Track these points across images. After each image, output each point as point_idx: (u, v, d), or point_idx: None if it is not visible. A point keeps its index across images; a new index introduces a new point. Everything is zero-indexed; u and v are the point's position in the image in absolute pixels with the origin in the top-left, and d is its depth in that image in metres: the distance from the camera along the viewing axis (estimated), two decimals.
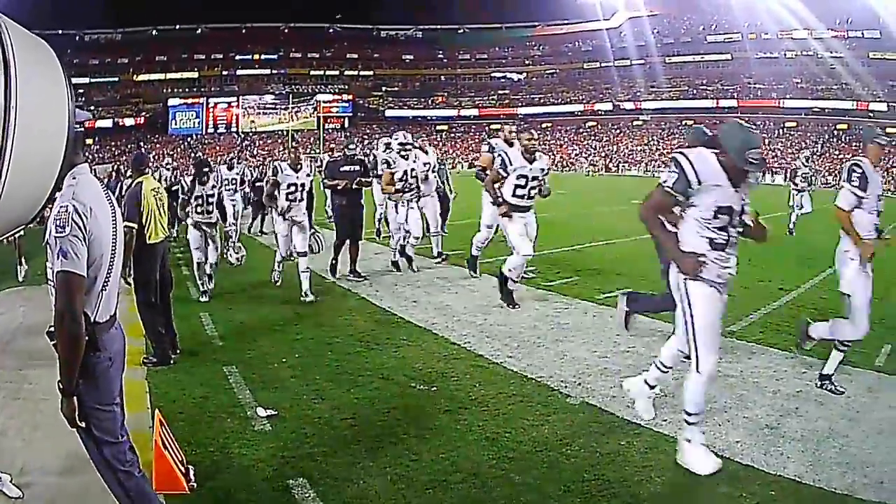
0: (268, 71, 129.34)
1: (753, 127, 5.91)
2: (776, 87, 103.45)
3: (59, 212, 3.91)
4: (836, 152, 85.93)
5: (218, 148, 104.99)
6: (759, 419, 7.00)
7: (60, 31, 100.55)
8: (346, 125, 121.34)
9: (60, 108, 2.33)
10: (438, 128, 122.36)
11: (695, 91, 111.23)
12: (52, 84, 2.33)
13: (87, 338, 4.00)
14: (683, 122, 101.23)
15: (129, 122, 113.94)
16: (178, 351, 9.36)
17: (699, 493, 5.65)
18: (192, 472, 5.55)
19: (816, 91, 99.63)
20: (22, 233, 9.86)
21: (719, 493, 5.62)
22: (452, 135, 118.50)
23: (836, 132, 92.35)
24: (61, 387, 3.97)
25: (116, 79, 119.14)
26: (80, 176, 4.09)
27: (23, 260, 15.09)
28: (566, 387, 8.07)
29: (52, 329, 4.01)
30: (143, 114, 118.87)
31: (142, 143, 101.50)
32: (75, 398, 4.00)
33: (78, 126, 4.08)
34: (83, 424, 4.08)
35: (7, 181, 2.01)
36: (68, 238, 3.89)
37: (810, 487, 5.64)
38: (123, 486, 4.27)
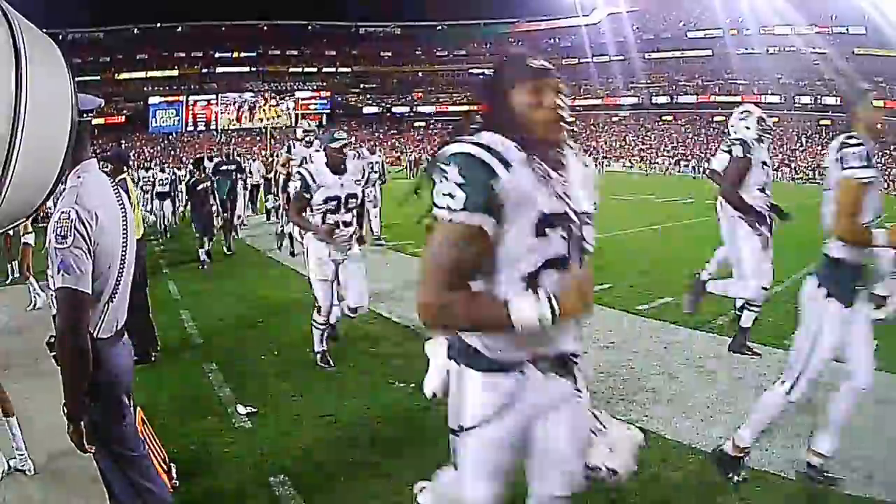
0: (246, 68, 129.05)
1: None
2: (757, 82, 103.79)
3: (59, 218, 3.51)
4: (820, 148, 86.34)
5: (196, 146, 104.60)
6: (743, 414, 6.83)
7: (43, 30, 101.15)
8: (325, 122, 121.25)
9: (65, 98, 2.31)
10: (416, 124, 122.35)
11: (675, 87, 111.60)
12: (58, 74, 2.31)
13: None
14: (662, 119, 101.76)
15: (110, 120, 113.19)
16: (157, 348, 9.31)
17: (682, 487, 5.64)
18: (174, 470, 5.51)
19: (799, 87, 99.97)
20: (11, 232, 9.84)
21: (703, 488, 5.63)
22: (431, 131, 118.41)
23: (819, 128, 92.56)
24: (65, 411, 3.61)
25: (98, 78, 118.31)
26: (85, 175, 3.71)
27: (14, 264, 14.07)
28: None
29: (52, 340, 3.69)
30: (125, 112, 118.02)
31: (123, 142, 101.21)
32: (81, 423, 3.64)
33: (89, 113, 4.01)
34: (92, 449, 3.73)
35: (16, 170, 1.99)
36: (70, 250, 3.48)
37: (795, 483, 5.66)
38: (144, 502, 4.02)
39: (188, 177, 18.95)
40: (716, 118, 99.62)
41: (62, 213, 3.51)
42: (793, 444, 6.32)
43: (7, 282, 14.12)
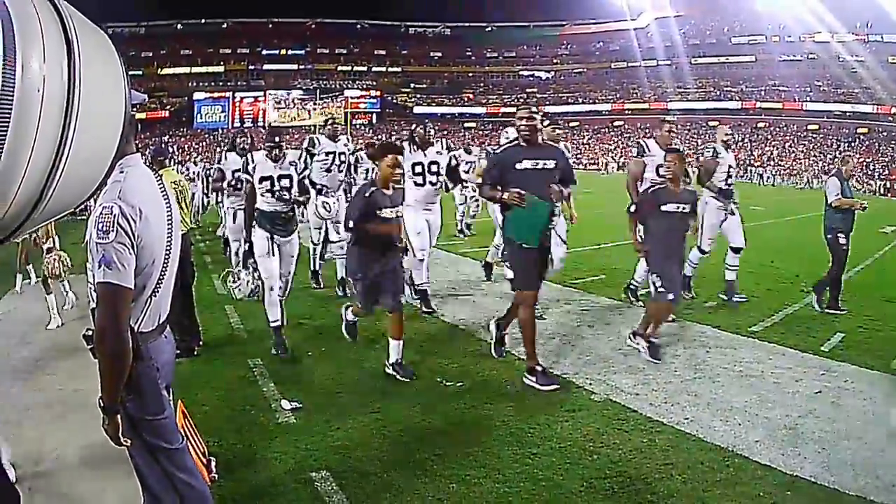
0: (294, 66, 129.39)
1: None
2: (798, 89, 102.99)
3: (101, 213, 3.41)
4: (857, 156, 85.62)
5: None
6: (778, 419, 7.00)
7: None
8: (374, 121, 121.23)
9: (118, 92, 2.28)
10: (466, 125, 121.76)
11: (719, 92, 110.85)
12: (111, 66, 2.29)
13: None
14: (708, 123, 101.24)
15: (153, 115, 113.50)
16: (201, 343, 9.38)
17: (718, 491, 5.59)
18: (213, 464, 5.55)
19: (838, 94, 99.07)
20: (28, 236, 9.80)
21: (737, 491, 5.59)
22: (481, 132, 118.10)
23: (856, 136, 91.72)
24: (102, 404, 3.55)
25: (140, 72, 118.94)
26: (129, 169, 3.57)
27: (30, 270, 13.20)
28: (591, 384, 8.06)
29: (89, 333, 3.62)
30: (168, 107, 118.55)
31: (166, 137, 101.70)
32: (118, 416, 3.59)
33: (133, 108, 3.99)
34: (128, 442, 3.66)
35: (67, 163, 1.96)
36: (113, 245, 3.39)
37: (825, 489, 5.64)
38: (181, 496, 3.94)
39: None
40: (759, 124, 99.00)
41: (104, 207, 3.42)
42: (823, 450, 6.31)
43: (30, 283, 13.37)
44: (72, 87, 1.92)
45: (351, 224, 8.10)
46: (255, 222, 9.41)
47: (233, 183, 13.56)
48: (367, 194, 8.09)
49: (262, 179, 9.40)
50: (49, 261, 10.59)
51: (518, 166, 8.00)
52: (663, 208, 9.06)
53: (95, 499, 5.47)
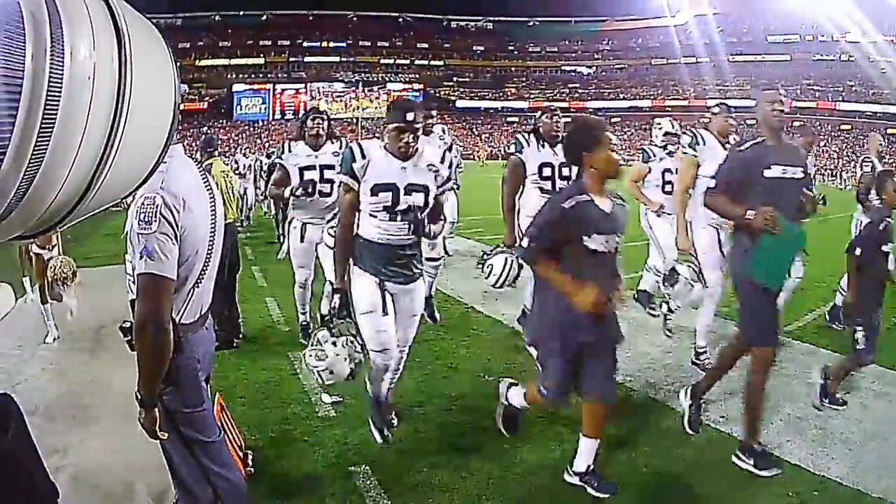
0: (336, 58, 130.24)
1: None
2: (832, 89, 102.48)
3: (143, 203, 3.40)
4: (888, 157, 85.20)
5: (285, 134, 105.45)
6: (809, 419, 6.97)
7: None
8: None
9: (168, 81, 2.25)
10: (509, 120, 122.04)
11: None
12: (161, 56, 2.26)
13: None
14: (745, 121, 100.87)
15: (191, 106, 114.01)
16: (241, 335, 9.40)
17: (749, 490, 5.58)
18: (250, 457, 5.57)
19: (869, 94, 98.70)
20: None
21: (768, 490, 5.58)
22: (524, 126, 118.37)
23: (886, 136, 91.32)
24: (140, 397, 3.54)
25: (178, 63, 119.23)
26: (171, 159, 3.54)
27: (25, 282, 10.75)
28: (630, 381, 8.02)
29: (126, 325, 3.63)
30: (207, 99, 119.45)
31: (206, 128, 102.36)
32: (155, 409, 3.57)
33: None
34: (165, 436, 3.63)
35: (119, 151, 1.93)
36: (155, 236, 3.39)
37: (850, 489, 5.59)
38: (215, 489, 3.92)
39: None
40: (794, 123, 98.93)
41: (146, 198, 3.41)
42: (850, 451, 6.28)
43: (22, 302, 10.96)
44: (123, 75, 1.89)
45: (533, 254, 5.23)
46: (354, 259, 6.02)
47: (305, 187, 8.66)
48: (569, 204, 5.06)
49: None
50: (55, 265, 9.71)
51: (767, 174, 5.91)
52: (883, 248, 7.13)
53: (125, 492, 5.43)
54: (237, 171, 22.09)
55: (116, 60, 1.90)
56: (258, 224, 23.13)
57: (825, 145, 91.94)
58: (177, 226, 3.47)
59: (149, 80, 2.07)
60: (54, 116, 1.71)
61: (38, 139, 1.71)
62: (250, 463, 5.52)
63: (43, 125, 1.70)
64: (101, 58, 1.84)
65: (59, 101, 1.72)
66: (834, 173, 74.30)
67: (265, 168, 19.61)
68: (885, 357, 8.62)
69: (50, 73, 1.70)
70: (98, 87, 1.81)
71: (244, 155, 22.46)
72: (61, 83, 1.72)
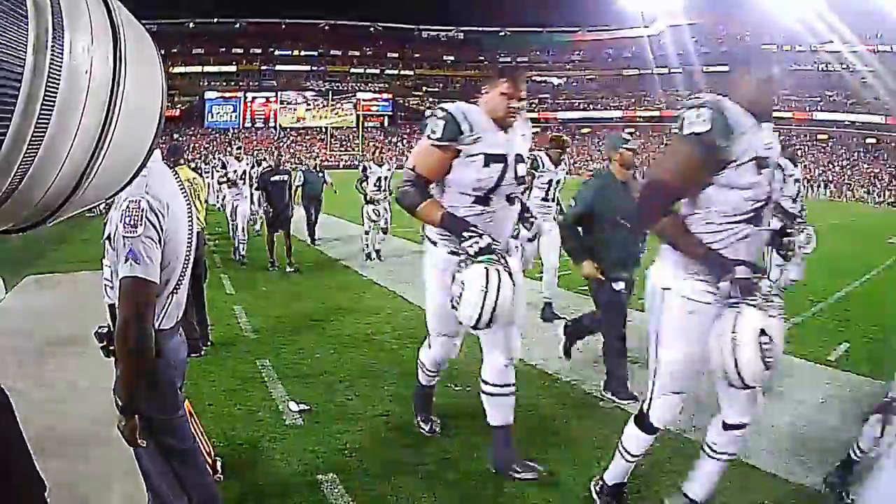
0: (307, 67, 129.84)
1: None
2: (808, 98, 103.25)
3: (128, 207, 3.44)
4: (866, 166, 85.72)
5: (254, 142, 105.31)
6: (784, 428, 7.02)
7: None
8: (386, 124, 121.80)
9: (157, 83, 2.24)
10: None
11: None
12: (151, 57, 2.25)
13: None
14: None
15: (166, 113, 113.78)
16: (209, 342, 9.35)
17: (723, 498, 5.54)
18: (219, 465, 5.53)
19: (847, 105, 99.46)
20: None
21: (744, 499, 5.63)
22: None
23: (865, 146, 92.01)
24: (119, 403, 3.55)
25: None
26: (153, 164, 3.57)
27: None
28: (600, 390, 8.01)
29: (102, 330, 3.72)
30: (179, 106, 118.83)
31: (176, 135, 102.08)
32: (136, 416, 3.53)
33: None
34: (143, 444, 3.60)
35: (109, 147, 1.91)
36: (140, 239, 3.41)
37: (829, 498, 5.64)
38: (190, 498, 3.89)
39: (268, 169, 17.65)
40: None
41: (131, 201, 3.44)
42: (827, 459, 6.18)
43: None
44: (117, 73, 1.88)
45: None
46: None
47: None
48: None
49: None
50: None
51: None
52: None
53: (98, 496, 5.38)
54: (227, 179, 19.91)
55: (112, 57, 1.89)
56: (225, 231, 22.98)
57: (801, 155, 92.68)
58: (161, 230, 3.50)
59: (140, 81, 2.05)
60: (52, 106, 1.71)
61: (38, 123, 1.69)
62: (220, 470, 5.49)
63: (43, 108, 1.69)
64: (98, 54, 1.83)
65: (56, 92, 1.71)
66: (810, 182, 74.56)
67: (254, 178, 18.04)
68: (862, 365, 8.82)
69: (50, 65, 1.69)
70: (93, 82, 1.80)
71: (237, 159, 20.16)
72: (59, 75, 1.71)
